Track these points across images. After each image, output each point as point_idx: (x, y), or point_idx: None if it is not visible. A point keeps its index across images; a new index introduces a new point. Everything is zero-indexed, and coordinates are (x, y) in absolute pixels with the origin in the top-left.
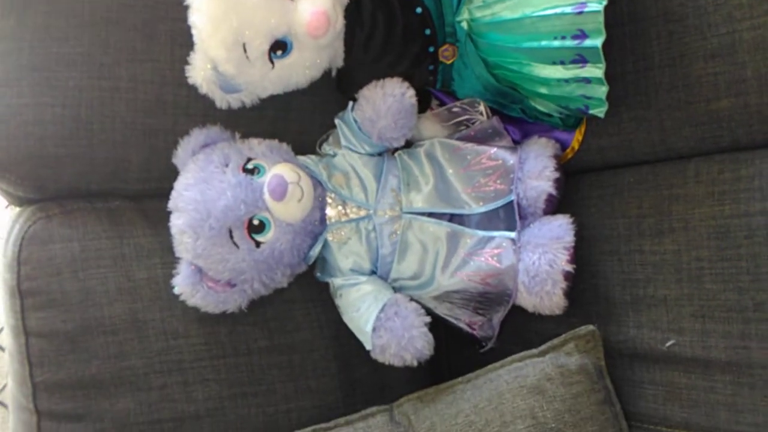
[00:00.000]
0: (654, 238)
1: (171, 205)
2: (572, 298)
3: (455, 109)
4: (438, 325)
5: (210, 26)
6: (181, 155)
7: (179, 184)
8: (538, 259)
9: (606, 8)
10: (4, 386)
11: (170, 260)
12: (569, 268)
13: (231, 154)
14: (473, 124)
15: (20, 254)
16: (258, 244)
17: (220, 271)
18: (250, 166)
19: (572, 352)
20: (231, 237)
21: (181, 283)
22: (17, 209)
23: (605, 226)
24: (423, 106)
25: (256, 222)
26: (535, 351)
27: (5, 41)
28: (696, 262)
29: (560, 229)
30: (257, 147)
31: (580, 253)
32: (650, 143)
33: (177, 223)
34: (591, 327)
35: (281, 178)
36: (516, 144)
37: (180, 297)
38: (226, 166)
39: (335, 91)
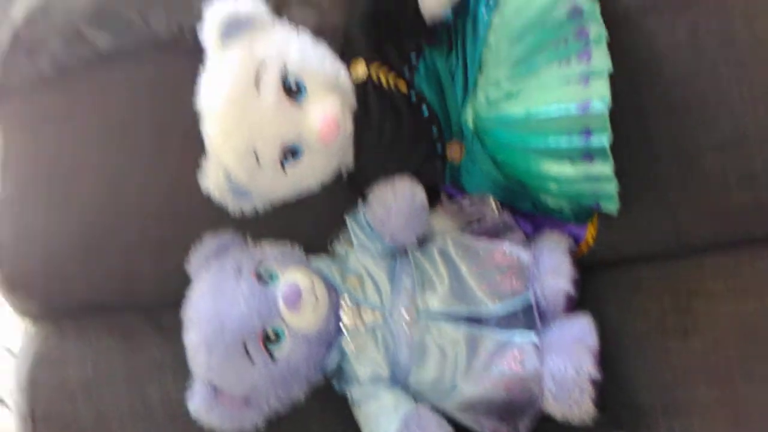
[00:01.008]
0: (679, 337)
1: (184, 316)
2: (600, 404)
3: (465, 204)
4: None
5: (222, 135)
6: (194, 263)
7: (193, 294)
8: (563, 365)
9: (611, 102)
10: None
11: (183, 375)
12: (596, 374)
13: (243, 259)
14: (484, 218)
15: (33, 377)
16: (273, 356)
17: (236, 386)
18: (261, 270)
19: None
20: (246, 351)
21: (197, 403)
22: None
23: (626, 324)
24: (432, 202)
25: (271, 333)
26: None
27: (19, 158)
28: (725, 361)
29: (582, 331)
30: (270, 252)
31: (603, 354)
32: (664, 237)
33: (191, 338)
34: None
35: (295, 285)
36: (528, 236)
37: (195, 416)
38: (239, 272)
39: (346, 189)
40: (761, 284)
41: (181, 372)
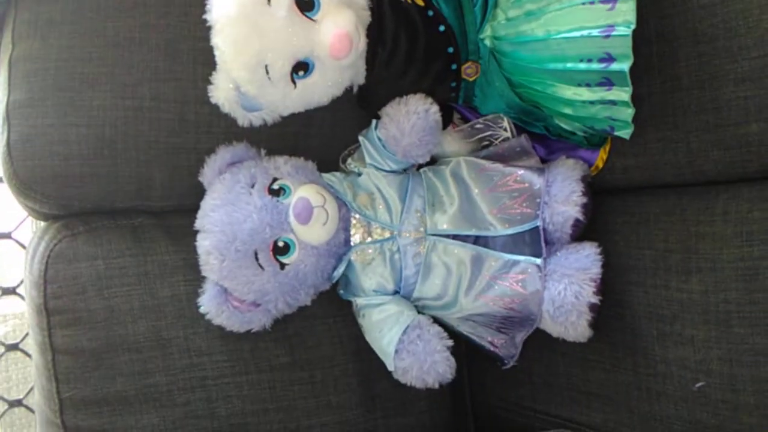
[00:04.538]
0: (680, 275)
1: (197, 224)
2: (597, 325)
3: (478, 125)
4: (459, 342)
5: (232, 49)
6: (207, 173)
7: (206, 204)
8: (564, 290)
9: (634, 27)
10: (30, 389)
11: (193, 277)
12: (595, 300)
13: (257, 173)
14: (497, 140)
15: (46, 272)
16: (283, 265)
17: (245, 292)
18: (275, 186)
19: None
20: (256, 259)
21: (207, 303)
22: (42, 224)
23: (630, 255)
24: (445, 120)
25: (281, 244)
26: None
27: (30, 62)
28: (724, 305)
29: (587, 259)
30: (283, 166)
31: (604, 279)
32: (677, 165)
33: (203, 244)
34: None
35: (306, 201)
36: (541, 160)
37: (206, 316)
38: (252, 186)
39: (356, 106)
40: None
41: (191, 274)
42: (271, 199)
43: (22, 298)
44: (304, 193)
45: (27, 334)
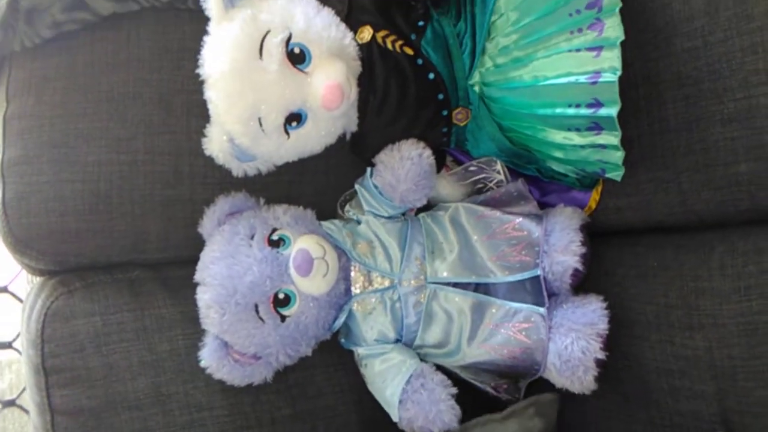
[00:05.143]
0: (684, 331)
1: (197, 277)
2: (605, 376)
3: (472, 168)
4: (465, 390)
5: (226, 102)
6: (206, 225)
7: (206, 256)
8: (571, 344)
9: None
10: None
11: (191, 331)
12: (602, 356)
13: (256, 224)
14: (490, 182)
15: (44, 331)
16: (283, 318)
17: (247, 345)
18: (275, 237)
19: (533, 417)
20: (257, 312)
21: (208, 357)
22: (38, 279)
23: (632, 309)
24: (438, 164)
25: (281, 296)
26: (497, 416)
27: (25, 119)
28: (728, 360)
29: (594, 314)
30: (282, 216)
31: (610, 332)
32: (669, 205)
33: (204, 297)
34: (551, 396)
35: (306, 253)
36: (537, 202)
37: (207, 371)
38: (252, 238)
39: (349, 151)
40: (765, 283)
41: (190, 327)
42: (271, 251)
43: (19, 352)
44: (304, 244)
45: (24, 389)
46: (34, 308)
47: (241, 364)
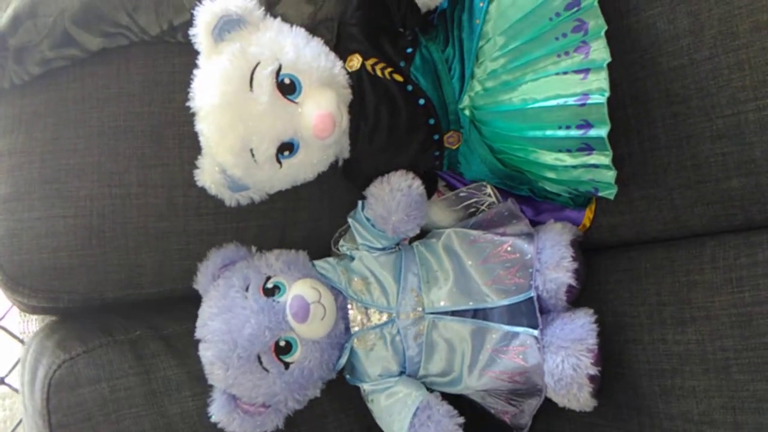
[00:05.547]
0: (676, 327)
1: (198, 335)
2: (600, 389)
3: (462, 194)
4: (473, 419)
5: (217, 134)
6: (201, 281)
7: (203, 313)
8: (562, 362)
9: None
10: None
11: (200, 390)
12: (594, 371)
13: (250, 274)
14: (482, 205)
15: (49, 402)
16: (287, 365)
17: (254, 396)
18: (269, 285)
19: None
20: (260, 362)
21: (218, 413)
22: (33, 335)
23: (626, 313)
24: (430, 189)
25: (282, 343)
26: None
27: (15, 156)
28: (721, 353)
29: (582, 329)
30: (275, 263)
31: (602, 341)
32: (662, 221)
33: (206, 354)
34: None
35: (302, 299)
36: (531, 222)
37: (218, 425)
38: (247, 289)
39: (341, 176)
40: (759, 275)
41: (198, 386)
42: (267, 300)
43: (12, 387)
44: (299, 290)
45: (21, 421)
46: (35, 375)
47: (251, 414)
